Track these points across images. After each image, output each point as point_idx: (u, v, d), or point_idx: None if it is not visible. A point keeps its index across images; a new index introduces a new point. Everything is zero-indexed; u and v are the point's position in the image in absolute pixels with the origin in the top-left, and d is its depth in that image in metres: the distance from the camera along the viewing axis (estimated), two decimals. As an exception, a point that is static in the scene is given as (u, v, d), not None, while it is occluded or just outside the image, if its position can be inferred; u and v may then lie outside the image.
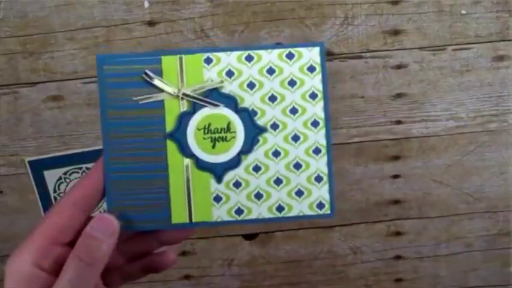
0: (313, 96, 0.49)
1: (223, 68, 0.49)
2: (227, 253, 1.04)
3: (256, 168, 0.49)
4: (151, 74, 0.48)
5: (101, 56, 0.49)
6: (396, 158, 1.01)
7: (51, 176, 0.98)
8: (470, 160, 1.02)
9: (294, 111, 0.49)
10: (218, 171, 0.49)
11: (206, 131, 0.48)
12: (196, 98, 0.48)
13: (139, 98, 0.48)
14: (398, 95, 0.99)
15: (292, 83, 0.49)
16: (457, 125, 1.00)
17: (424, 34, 0.97)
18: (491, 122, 1.00)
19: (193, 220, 0.49)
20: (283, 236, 1.04)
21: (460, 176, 1.03)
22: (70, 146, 0.98)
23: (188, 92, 0.48)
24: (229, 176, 0.49)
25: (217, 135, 0.48)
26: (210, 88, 0.49)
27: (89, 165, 0.98)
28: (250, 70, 0.49)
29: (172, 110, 0.48)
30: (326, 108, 0.49)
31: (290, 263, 1.05)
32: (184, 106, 0.48)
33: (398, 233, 1.05)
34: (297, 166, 0.49)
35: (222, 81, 0.48)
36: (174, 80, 0.48)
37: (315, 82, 0.49)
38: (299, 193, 0.49)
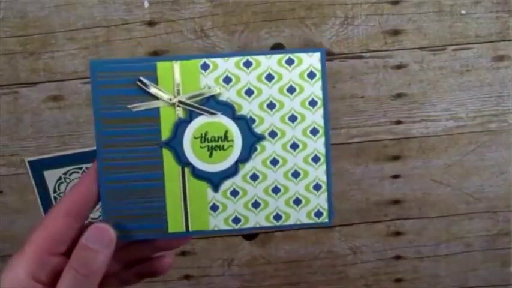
0: (313, 103, 0.49)
1: (221, 74, 0.48)
2: (227, 253, 1.04)
3: (254, 177, 0.48)
4: (146, 81, 0.47)
5: (94, 62, 0.48)
6: (396, 158, 1.01)
7: (51, 176, 0.98)
8: (470, 160, 1.02)
9: (293, 118, 0.48)
10: (215, 180, 0.48)
11: (203, 139, 0.48)
12: (193, 106, 0.47)
13: (133, 105, 0.47)
14: (398, 95, 0.98)
15: (291, 89, 0.48)
16: (457, 125, 1.00)
17: (424, 34, 0.97)
18: (491, 122, 1.00)
19: (190, 229, 0.48)
20: (283, 236, 1.04)
21: (460, 176, 1.02)
22: (70, 146, 0.98)
23: (184, 100, 0.47)
24: (227, 185, 0.48)
25: (214, 143, 0.48)
26: (207, 96, 0.48)
27: (89, 165, 0.98)
28: (248, 76, 0.48)
29: (168, 118, 0.47)
30: (326, 116, 0.49)
31: (290, 263, 1.06)
32: (180, 114, 0.48)
33: (398, 233, 1.05)
34: (296, 175, 0.49)
35: (219, 89, 0.48)
36: (170, 87, 0.47)
37: (315, 89, 0.49)
38: (297, 202, 0.49)
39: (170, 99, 0.47)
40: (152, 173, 0.48)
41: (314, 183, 0.49)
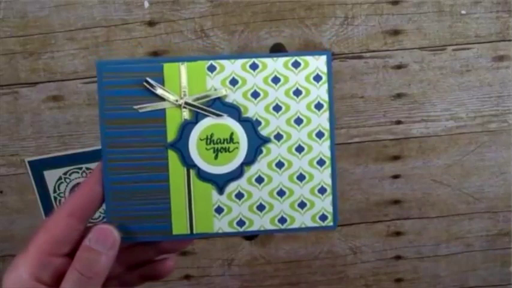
0: (319, 106, 0.49)
1: (227, 76, 0.48)
2: (227, 253, 1.04)
3: (259, 180, 0.48)
4: (152, 82, 0.47)
5: (100, 62, 0.47)
6: (396, 158, 1.01)
7: (51, 176, 0.98)
8: (470, 160, 1.02)
9: (298, 121, 0.48)
10: (220, 182, 0.48)
11: (209, 141, 0.48)
12: (199, 108, 0.47)
13: (139, 106, 0.47)
14: (398, 95, 0.98)
15: (297, 92, 0.48)
16: (457, 125, 1.00)
17: (424, 34, 0.97)
18: (491, 122, 1.00)
19: (194, 231, 0.48)
20: (283, 236, 1.04)
21: (460, 176, 1.03)
22: (70, 146, 0.98)
23: (190, 101, 0.47)
24: (232, 187, 0.48)
25: (220, 145, 0.48)
26: (213, 97, 0.48)
27: (89, 165, 0.98)
28: (254, 79, 0.48)
29: (174, 119, 0.47)
30: (331, 119, 0.49)
31: (290, 263, 1.06)
32: (186, 115, 0.47)
33: (398, 233, 1.05)
34: (301, 178, 0.49)
35: (225, 91, 0.48)
36: (176, 88, 0.47)
37: (321, 92, 0.49)
38: (302, 205, 0.49)
39: (176, 101, 0.47)
40: (157, 174, 0.48)
41: (319, 186, 0.49)
